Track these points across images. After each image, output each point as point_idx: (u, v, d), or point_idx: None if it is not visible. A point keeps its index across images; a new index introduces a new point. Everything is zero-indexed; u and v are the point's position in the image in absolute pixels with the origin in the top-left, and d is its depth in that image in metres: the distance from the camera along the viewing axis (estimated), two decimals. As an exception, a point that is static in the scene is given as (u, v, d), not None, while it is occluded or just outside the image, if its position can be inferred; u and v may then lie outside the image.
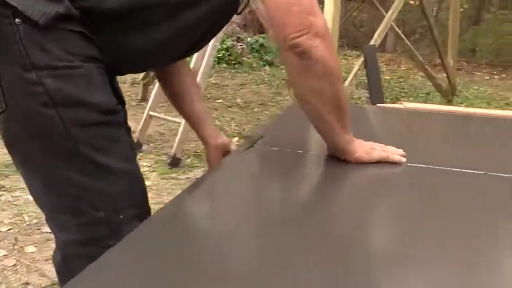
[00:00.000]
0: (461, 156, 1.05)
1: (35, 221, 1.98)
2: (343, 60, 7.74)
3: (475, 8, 10.10)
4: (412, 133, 1.33)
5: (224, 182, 0.85)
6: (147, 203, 0.92)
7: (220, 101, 4.90)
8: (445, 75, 5.28)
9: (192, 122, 1.12)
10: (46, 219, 0.92)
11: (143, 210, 0.90)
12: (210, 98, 4.86)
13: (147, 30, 0.85)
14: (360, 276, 0.52)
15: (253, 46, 8.04)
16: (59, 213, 0.86)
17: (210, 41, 1.04)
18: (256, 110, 4.70)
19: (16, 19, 0.74)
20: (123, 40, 0.85)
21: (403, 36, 4.88)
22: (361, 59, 3.61)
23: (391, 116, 1.56)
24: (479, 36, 9.77)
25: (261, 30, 8.19)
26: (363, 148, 0.89)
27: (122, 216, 0.85)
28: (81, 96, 0.79)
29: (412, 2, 7.51)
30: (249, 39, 8.10)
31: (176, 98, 1.10)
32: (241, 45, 7.81)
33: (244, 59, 7.70)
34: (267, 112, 4.61)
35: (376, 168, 0.89)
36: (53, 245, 1.76)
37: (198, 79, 2.89)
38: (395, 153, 0.92)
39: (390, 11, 3.73)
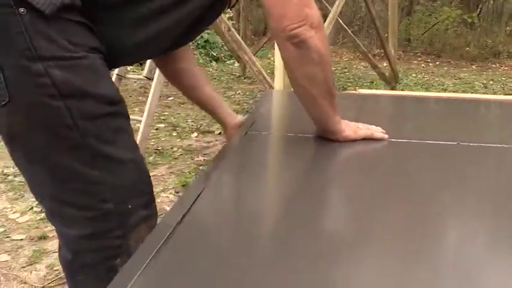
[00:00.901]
0: (432, 131, 1.16)
1: (1, 229, 1.90)
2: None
3: (407, 0, 10.65)
4: (378, 114, 1.43)
5: (235, 170, 0.88)
6: (152, 190, 0.94)
7: (171, 98, 4.85)
8: (385, 64, 5.57)
9: (210, 106, 1.15)
10: (49, 217, 0.89)
11: (149, 198, 0.91)
12: (161, 96, 4.80)
13: (139, 24, 0.86)
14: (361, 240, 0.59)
15: (198, 42, 7.99)
16: (66, 208, 0.84)
17: (199, 34, 1.06)
18: (210, 105, 4.69)
19: (20, 8, 0.71)
20: (117, 33, 0.85)
21: (346, 28, 5.08)
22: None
23: (351, 100, 1.66)
24: (413, 26, 10.32)
25: (205, 26, 8.17)
26: (350, 128, 0.98)
27: (130, 206, 0.85)
28: (88, 87, 0.78)
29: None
30: (193, 35, 8.04)
31: (189, 86, 1.13)
32: (186, 42, 7.74)
33: (191, 55, 7.65)
34: (221, 107, 4.62)
35: (363, 145, 0.97)
36: (26, 252, 1.71)
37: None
38: (378, 131, 1.00)
39: (336, 4, 3.88)
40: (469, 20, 9.69)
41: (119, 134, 0.84)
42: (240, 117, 1.18)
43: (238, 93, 5.38)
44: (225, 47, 7.30)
